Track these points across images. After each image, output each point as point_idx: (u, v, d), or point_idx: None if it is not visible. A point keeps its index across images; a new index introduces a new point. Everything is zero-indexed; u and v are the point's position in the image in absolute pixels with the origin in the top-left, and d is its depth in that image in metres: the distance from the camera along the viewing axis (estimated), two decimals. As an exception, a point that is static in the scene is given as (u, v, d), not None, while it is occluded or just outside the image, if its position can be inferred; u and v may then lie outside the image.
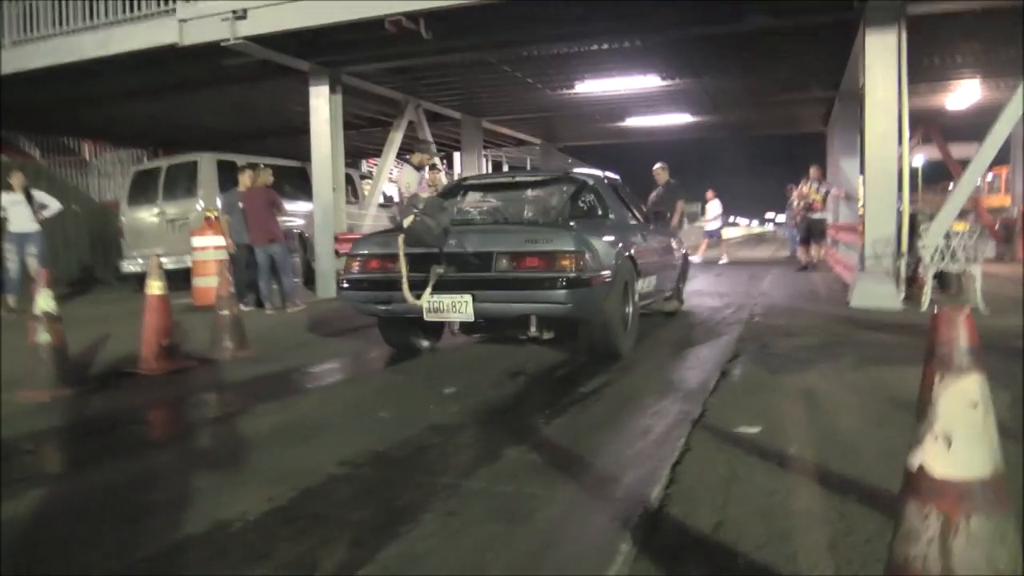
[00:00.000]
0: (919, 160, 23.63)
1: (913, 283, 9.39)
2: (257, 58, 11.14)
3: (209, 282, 9.57)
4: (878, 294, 8.72)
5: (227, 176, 11.95)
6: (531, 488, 2.99)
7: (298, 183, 13.72)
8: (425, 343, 6.38)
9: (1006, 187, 22.57)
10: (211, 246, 10.34)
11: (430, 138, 16.10)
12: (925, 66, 13.42)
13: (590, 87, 14.47)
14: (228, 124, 17.66)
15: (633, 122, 18.89)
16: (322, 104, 12.24)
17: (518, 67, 13.41)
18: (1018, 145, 19.48)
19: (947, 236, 8.85)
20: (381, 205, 14.26)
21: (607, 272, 5.33)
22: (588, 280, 5.00)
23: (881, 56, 9.26)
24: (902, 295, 8.86)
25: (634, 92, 15.21)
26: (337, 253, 12.22)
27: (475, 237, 5.29)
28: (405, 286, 5.17)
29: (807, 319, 7.95)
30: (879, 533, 2.35)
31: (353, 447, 3.62)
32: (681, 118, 18.64)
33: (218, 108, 15.85)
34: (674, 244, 8.42)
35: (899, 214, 9.53)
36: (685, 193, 11.67)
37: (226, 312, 6.35)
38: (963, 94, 16.48)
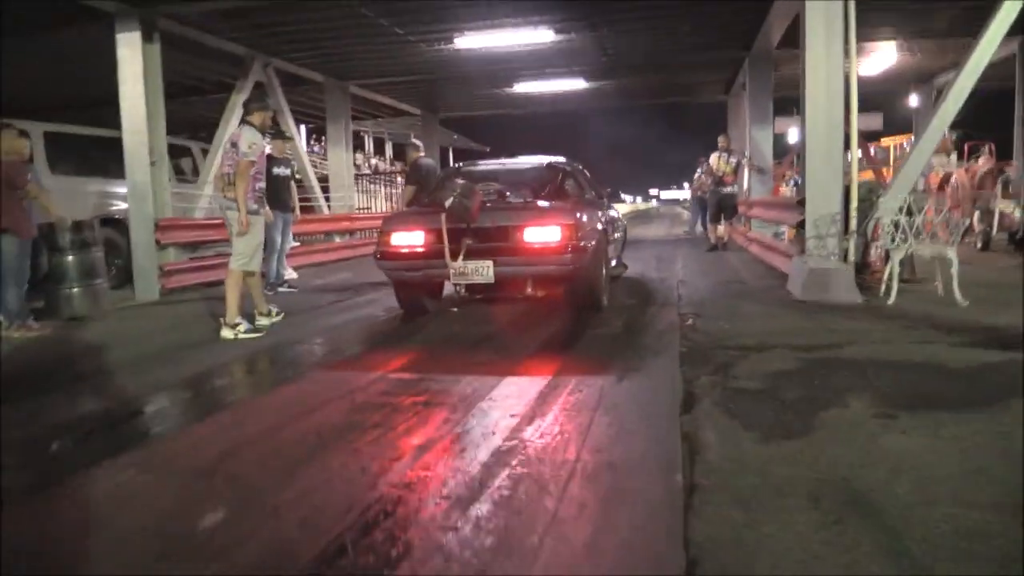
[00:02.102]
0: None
1: (864, 268, 7.79)
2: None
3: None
4: (831, 285, 7.03)
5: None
6: None
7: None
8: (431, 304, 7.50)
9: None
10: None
11: (283, 103, 13.65)
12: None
13: (472, 41, 12.32)
14: (53, 86, 14.63)
15: (522, 88, 16.88)
16: (132, 56, 9.60)
17: (387, 15, 11.16)
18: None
19: (908, 212, 7.26)
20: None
21: (594, 241, 6.74)
22: (584, 247, 6.31)
23: (824, 5, 7.65)
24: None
25: (523, 49, 13.17)
26: (159, 243, 9.71)
27: (495, 214, 6.40)
28: (448, 254, 6.22)
29: (755, 321, 6.16)
30: None
31: None
32: (574, 84, 16.78)
33: (35, 65, 12.84)
34: (620, 217, 10.00)
35: (846, 188, 7.92)
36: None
37: None
38: (877, 59, 15.27)
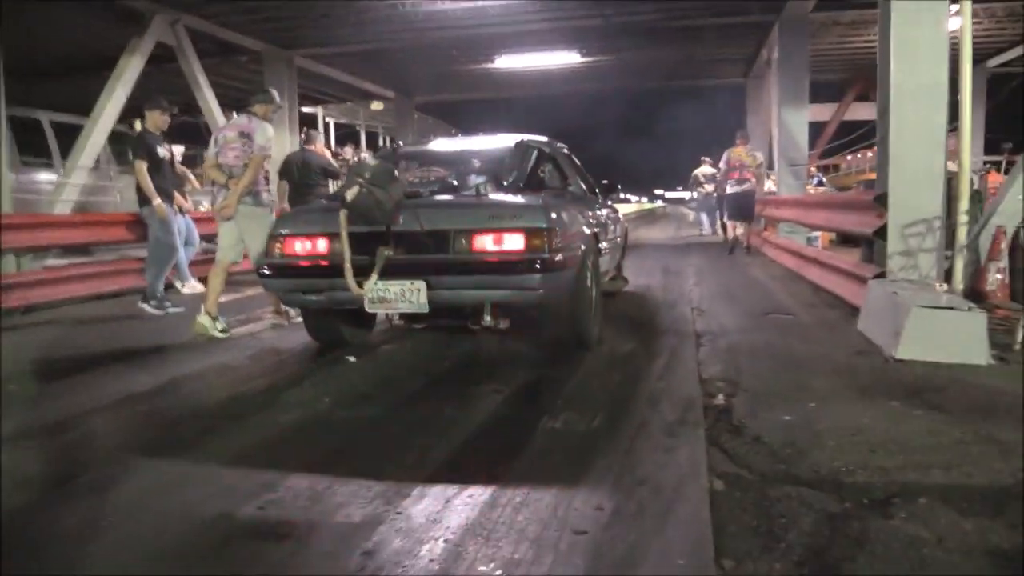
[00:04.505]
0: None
1: (978, 300, 5.14)
2: None
3: None
4: (950, 335, 4.35)
5: None
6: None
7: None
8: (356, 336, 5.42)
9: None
10: None
11: (198, 72, 11.03)
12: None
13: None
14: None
15: (506, 63, 14.27)
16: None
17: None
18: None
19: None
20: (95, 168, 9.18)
21: (579, 251, 4.75)
22: (561, 261, 4.28)
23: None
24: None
25: (502, 8, 10.56)
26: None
27: (430, 213, 4.43)
28: (348, 272, 4.30)
29: (840, 411, 3.48)
30: None
31: None
32: (568, 58, 14.15)
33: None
34: (619, 216, 7.67)
35: (948, 182, 5.36)
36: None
37: None
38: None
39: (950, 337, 4.29)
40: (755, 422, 3.31)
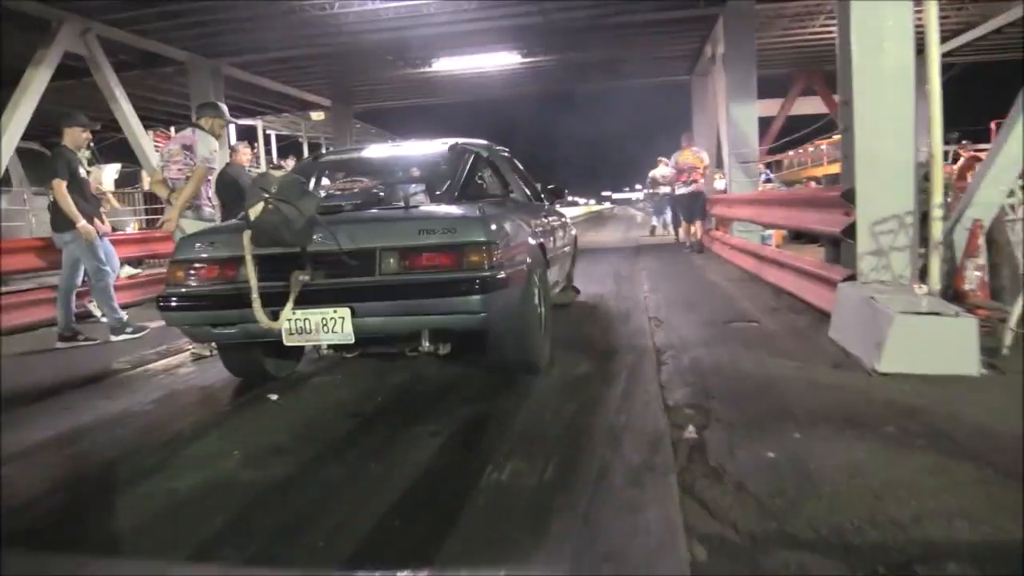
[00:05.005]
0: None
1: (954, 300, 4.77)
2: None
3: None
4: (931, 346, 3.93)
5: None
6: None
7: None
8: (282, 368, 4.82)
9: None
10: None
11: (114, 86, 10.30)
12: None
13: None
14: None
15: (443, 65, 13.74)
16: None
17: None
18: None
19: None
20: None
21: (524, 265, 4.27)
22: (505, 279, 3.78)
23: None
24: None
25: (436, 6, 10.05)
26: None
27: (352, 229, 3.87)
28: (256, 302, 3.71)
29: (828, 446, 3.04)
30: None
31: None
32: (508, 59, 13.71)
33: None
34: (568, 223, 7.21)
35: (918, 173, 5.01)
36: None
37: None
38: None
39: (937, 346, 3.89)
40: (734, 463, 2.84)
